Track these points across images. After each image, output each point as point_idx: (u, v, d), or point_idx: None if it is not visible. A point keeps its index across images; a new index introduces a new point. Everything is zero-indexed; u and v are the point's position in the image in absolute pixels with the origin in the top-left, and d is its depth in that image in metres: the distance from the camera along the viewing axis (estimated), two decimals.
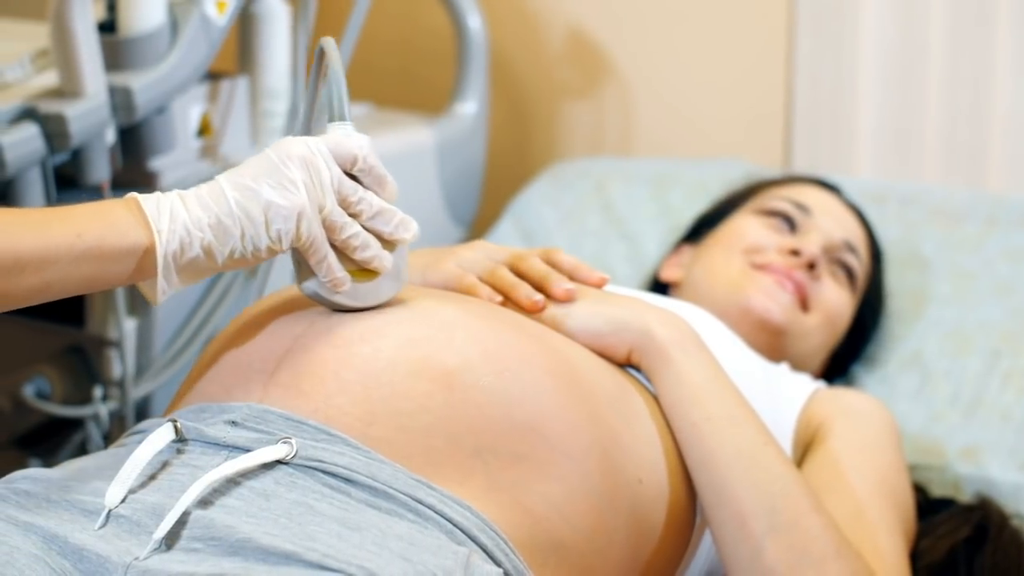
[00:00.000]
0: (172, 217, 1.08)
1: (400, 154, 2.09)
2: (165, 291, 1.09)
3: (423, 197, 2.15)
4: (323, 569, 0.99)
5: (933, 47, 2.14)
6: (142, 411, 1.78)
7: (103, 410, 1.72)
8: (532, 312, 1.30)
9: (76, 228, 1.06)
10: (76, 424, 1.83)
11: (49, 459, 1.82)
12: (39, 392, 1.77)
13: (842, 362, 1.82)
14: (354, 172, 1.15)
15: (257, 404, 1.13)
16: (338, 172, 1.13)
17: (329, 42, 1.20)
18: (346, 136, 1.15)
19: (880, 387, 1.82)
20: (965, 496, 1.65)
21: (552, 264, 1.36)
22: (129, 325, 1.74)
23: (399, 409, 1.12)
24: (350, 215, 1.14)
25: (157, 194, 1.10)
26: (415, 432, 1.11)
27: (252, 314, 1.24)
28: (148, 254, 1.08)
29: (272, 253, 1.11)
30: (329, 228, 1.12)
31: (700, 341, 1.32)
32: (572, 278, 1.35)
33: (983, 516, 1.56)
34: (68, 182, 1.65)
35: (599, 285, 1.36)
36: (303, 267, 1.16)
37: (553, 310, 1.31)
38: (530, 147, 2.52)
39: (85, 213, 1.08)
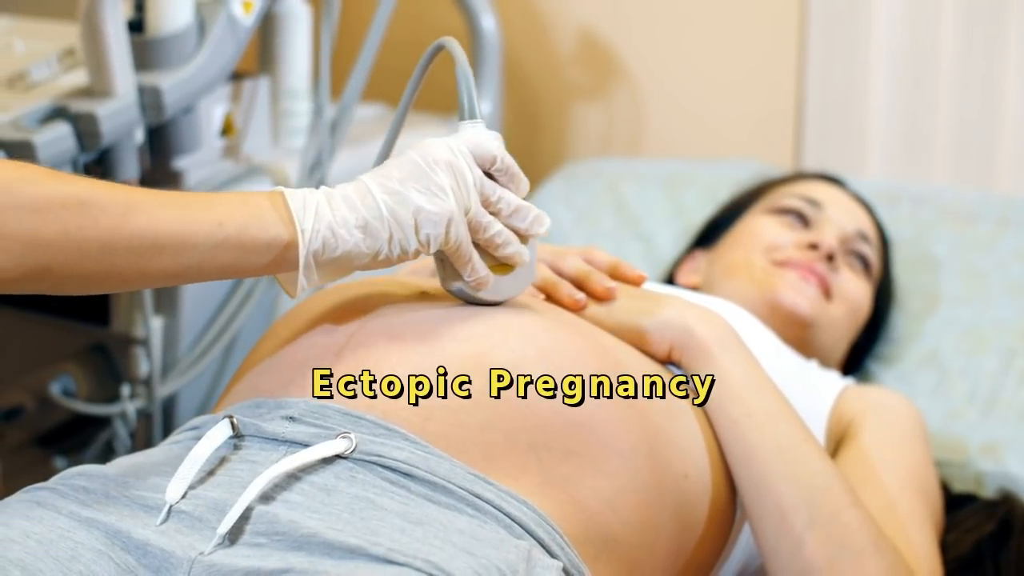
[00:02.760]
0: (317, 216, 1.09)
1: None
2: (304, 287, 1.11)
3: None
4: (390, 563, 1.01)
5: (944, 48, 2.16)
6: (168, 410, 1.79)
7: (130, 408, 1.73)
8: (574, 310, 1.32)
9: (218, 216, 1.07)
10: (98, 422, 1.83)
11: (74, 457, 1.83)
12: (65, 390, 1.78)
13: (859, 354, 1.85)
14: (492, 171, 1.17)
15: (314, 399, 1.14)
16: (479, 173, 1.15)
17: (452, 42, 1.21)
18: (483, 135, 1.17)
19: (898, 385, 1.84)
20: (987, 492, 1.67)
21: (591, 262, 1.38)
22: (156, 324, 1.74)
23: (456, 405, 1.13)
24: (490, 213, 1.17)
25: (305, 190, 1.11)
26: (471, 427, 1.13)
27: (303, 311, 1.25)
28: (289, 249, 1.09)
29: (418, 255, 1.14)
30: (474, 229, 1.15)
31: (739, 338, 1.34)
32: (611, 276, 1.36)
33: (1007, 511, 1.58)
34: None
35: (638, 283, 1.38)
36: (447, 267, 1.19)
37: (594, 308, 1.33)
38: (540, 148, 2.53)
39: (230, 202, 1.09)
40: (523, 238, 1.20)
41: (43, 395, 1.80)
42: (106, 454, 1.77)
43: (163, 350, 1.76)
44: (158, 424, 1.75)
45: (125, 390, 1.73)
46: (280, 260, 1.10)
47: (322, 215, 1.10)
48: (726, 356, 1.31)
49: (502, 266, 1.20)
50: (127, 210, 1.05)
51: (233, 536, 1.05)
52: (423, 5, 2.46)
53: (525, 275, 1.22)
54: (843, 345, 1.75)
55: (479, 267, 1.17)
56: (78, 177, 1.07)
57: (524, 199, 1.20)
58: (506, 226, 1.18)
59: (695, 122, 2.41)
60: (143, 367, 1.74)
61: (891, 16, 2.19)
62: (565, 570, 1.09)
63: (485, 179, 1.16)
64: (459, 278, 1.18)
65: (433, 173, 1.12)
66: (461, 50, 1.20)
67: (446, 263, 1.18)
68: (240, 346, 1.82)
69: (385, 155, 1.30)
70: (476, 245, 1.17)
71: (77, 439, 1.87)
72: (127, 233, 1.05)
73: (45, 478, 1.80)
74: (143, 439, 1.77)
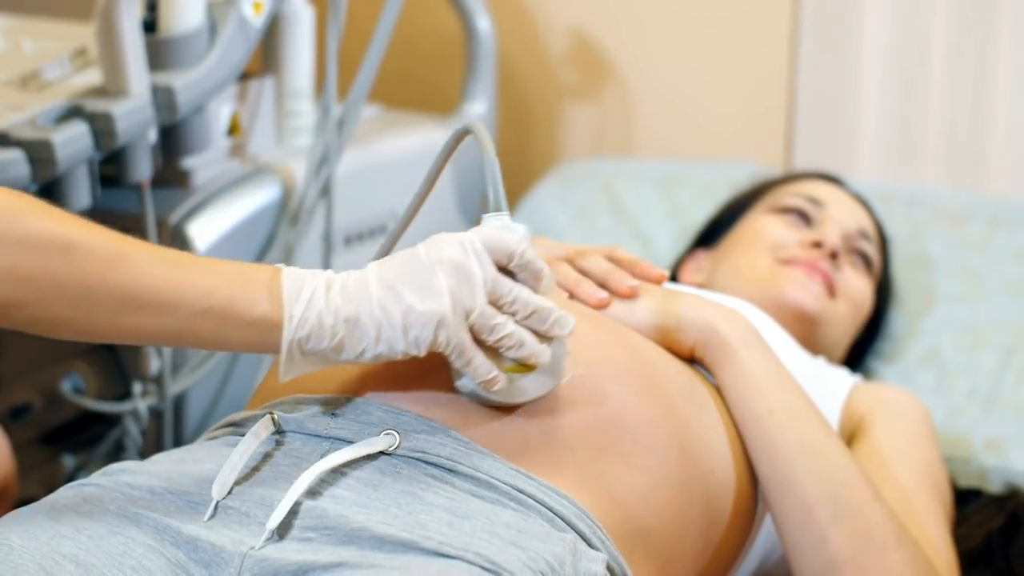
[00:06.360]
0: (310, 303, 1.06)
1: (414, 154, 2.10)
2: (286, 373, 1.08)
3: (435, 197, 2.15)
4: (441, 556, 1.02)
5: (935, 49, 2.19)
6: (178, 407, 1.79)
7: (142, 406, 1.74)
8: (597, 308, 1.33)
9: (208, 284, 1.06)
10: (103, 420, 1.83)
11: (83, 455, 1.83)
12: (74, 388, 1.78)
13: (860, 352, 1.87)
14: (511, 267, 1.11)
15: (355, 395, 1.15)
16: (492, 271, 1.09)
17: (478, 126, 1.15)
18: (503, 229, 1.12)
19: (899, 382, 1.86)
20: (992, 487, 1.70)
21: (613, 261, 1.39)
22: None
23: None
24: (505, 312, 1.11)
25: (308, 272, 1.08)
26: (510, 424, 1.15)
27: None
28: (273, 331, 1.06)
29: (408, 355, 1.09)
30: (479, 330, 1.09)
31: (760, 336, 1.36)
32: (632, 274, 1.38)
33: (1015, 505, 1.61)
34: (104, 180, 1.66)
35: (659, 281, 1.39)
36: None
37: (617, 307, 1.34)
38: (531, 148, 2.54)
39: (224, 271, 1.07)
40: (547, 337, 1.13)
41: (51, 393, 1.80)
42: (116, 452, 1.78)
43: (173, 348, 1.76)
44: (168, 422, 1.76)
45: (137, 388, 1.74)
46: (263, 341, 1.07)
47: (315, 303, 1.06)
48: (748, 353, 1.33)
49: (524, 366, 1.13)
50: (116, 260, 1.04)
51: (282, 531, 1.06)
52: (418, 6, 2.47)
53: (548, 375, 1.15)
54: (846, 342, 1.78)
55: (482, 369, 1.10)
56: (76, 219, 1.06)
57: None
58: (525, 326, 1.11)
59: (686, 122, 2.44)
60: (153, 365, 1.75)
61: (882, 16, 2.22)
62: (607, 563, 1.10)
63: (499, 277, 1.10)
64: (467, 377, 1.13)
65: (432, 273, 1.07)
66: (487, 135, 1.14)
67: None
68: None
69: (393, 239, 1.28)
70: (487, 345, 1.10)
71: (82, 437, 1.87)
72: (110, 283, 1.04)
73: (52, 476, 1.82)
74: (152, 437, 1.77)
